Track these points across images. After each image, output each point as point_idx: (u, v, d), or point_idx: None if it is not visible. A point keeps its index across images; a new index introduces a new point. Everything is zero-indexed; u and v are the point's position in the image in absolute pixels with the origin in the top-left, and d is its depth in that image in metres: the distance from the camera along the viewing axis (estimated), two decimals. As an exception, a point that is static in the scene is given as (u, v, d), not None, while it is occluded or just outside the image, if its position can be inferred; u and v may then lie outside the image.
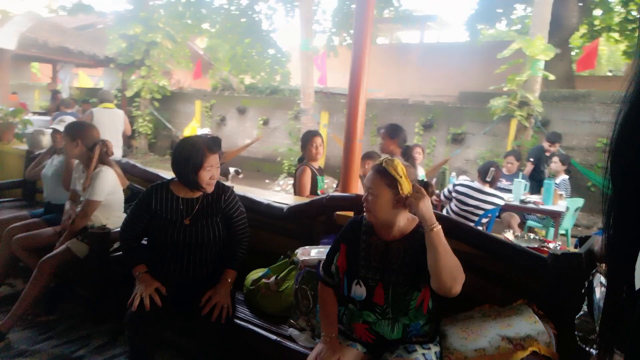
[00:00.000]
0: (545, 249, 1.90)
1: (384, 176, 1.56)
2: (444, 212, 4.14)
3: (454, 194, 4.03)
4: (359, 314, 1.64)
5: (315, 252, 2.09)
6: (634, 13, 12.29)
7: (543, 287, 1.78)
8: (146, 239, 2.09)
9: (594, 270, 1.41)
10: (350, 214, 2.31)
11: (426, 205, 1.49)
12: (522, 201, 4.41)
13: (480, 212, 3.93)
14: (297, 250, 2.14)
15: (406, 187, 1.54)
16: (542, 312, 1.72)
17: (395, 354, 1.56)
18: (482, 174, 3.95)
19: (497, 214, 4.21)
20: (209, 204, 2.04)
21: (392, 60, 14.20)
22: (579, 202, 4.83)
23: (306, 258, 2.03)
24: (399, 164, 1.58)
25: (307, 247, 2.15)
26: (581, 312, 1.38)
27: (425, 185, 1.61)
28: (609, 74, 15.99)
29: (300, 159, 3.41)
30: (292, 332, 1.90)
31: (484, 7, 13.16)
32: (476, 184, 3.97)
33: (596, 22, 12.83)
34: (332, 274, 1.72)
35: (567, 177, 5.00)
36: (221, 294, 1.93)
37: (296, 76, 11.85)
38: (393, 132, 3.58)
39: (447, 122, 8.13)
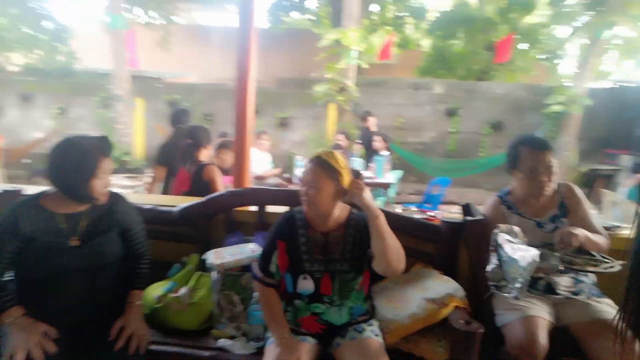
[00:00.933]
0: (432, 218, 2.23)
1: (326, 169, 1.57)
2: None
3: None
4: (306, 308, 1.64)
5: (230, 254, 1.96)
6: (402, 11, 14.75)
7: (439, 250, 2.09)
8: (12, 273, 1.60)
9: (496, 231, 1.74)
10: (254, 208, 2.23)
11: (369, 195, 1.57)
12: (360, 177, 4.94)
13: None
14: (206, 255, 1.97)
15: (347, 179, 1.59)
16: (441, 272, 2.03)
17: (348, 337, 1.62)
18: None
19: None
20: (101, 218, 1.68)
21: (194, 42, 13.62)
22: (400, 173, 5.71)
23: (223, 261, 1.89)
24: (340, 156, 1.61)
25: (217, 249, 2.00)
26: (493, 266, 1.70)
27: (357, 174, 1.69)
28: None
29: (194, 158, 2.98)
30: (224, 342, 1.76)
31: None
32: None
33: (374, 17, 14.92)
34: (273, 273, 1.66)
35: (388, 152, 5.81)
36: (134, 321, 1.65)
37: (85, 56, 10.29)
38: (177, 118, 3.72)
39: (273, 107, 8.39)
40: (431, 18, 14.46)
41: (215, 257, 1.93)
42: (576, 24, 7.82)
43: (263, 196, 2.22)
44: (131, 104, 7.64)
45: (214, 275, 1.90)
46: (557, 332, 1.73)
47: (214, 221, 2.24)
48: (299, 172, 4.34)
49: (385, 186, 5.04)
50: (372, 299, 1.82)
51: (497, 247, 1.69)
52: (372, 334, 1.64)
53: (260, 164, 4.97)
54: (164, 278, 2.07)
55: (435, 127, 8.52)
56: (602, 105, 7.73)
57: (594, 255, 1.64)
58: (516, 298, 1.59)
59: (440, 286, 1.86)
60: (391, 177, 5.16)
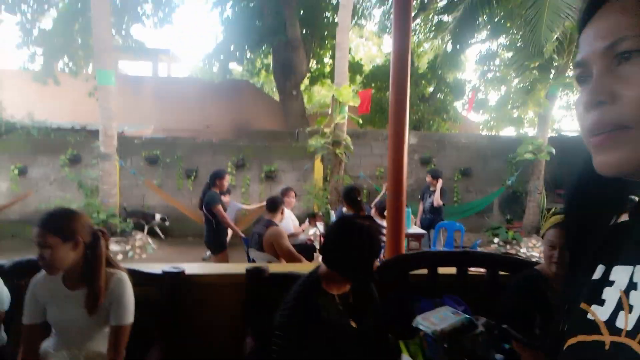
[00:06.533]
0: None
1: None
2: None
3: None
4: None
5: (438, 319, 2.00)
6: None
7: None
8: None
9: None
10: (423, 271, 2.29)
11: None
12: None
13: (382, 244, 4.38)
14: (416, 321, 1.98)
15: None
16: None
17: None
18: (380, 210, 4.45)
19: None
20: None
21: (127, 92, 13.00)
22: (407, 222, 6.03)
23: (442, 327, 1.92)
24: None
25: (423, 315, 2.01)
26: None
27: None
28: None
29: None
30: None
31: (223, 46, 13.53)
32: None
33: (312, 70, 15.68)
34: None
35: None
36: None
37: (9, 106, 9.49)
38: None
39: (259, 160, 8.36)
40: (365, 71, 15.57)
41: (430, 323, 1.95)
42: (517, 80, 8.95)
43: (435, 258, 2.30)
44: (121, 162, 7.17)
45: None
46: None
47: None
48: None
49: (419, 237, 5.28)
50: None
51: None
52: None
53: (289, 221, 4.95)
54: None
55: (412, 174, 9.06)
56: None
57: None
58: None
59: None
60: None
